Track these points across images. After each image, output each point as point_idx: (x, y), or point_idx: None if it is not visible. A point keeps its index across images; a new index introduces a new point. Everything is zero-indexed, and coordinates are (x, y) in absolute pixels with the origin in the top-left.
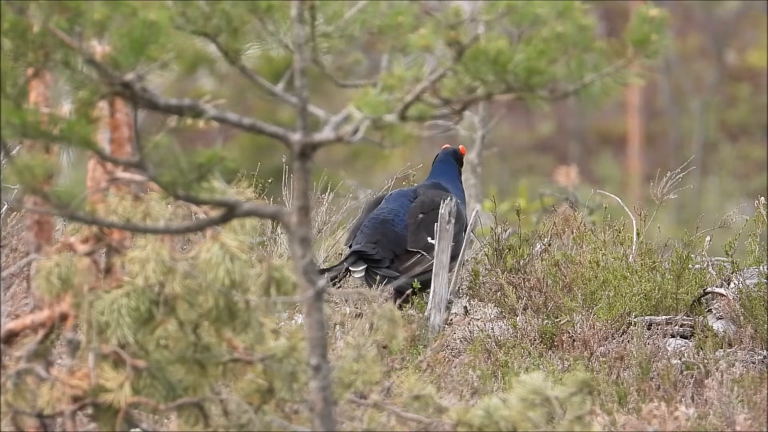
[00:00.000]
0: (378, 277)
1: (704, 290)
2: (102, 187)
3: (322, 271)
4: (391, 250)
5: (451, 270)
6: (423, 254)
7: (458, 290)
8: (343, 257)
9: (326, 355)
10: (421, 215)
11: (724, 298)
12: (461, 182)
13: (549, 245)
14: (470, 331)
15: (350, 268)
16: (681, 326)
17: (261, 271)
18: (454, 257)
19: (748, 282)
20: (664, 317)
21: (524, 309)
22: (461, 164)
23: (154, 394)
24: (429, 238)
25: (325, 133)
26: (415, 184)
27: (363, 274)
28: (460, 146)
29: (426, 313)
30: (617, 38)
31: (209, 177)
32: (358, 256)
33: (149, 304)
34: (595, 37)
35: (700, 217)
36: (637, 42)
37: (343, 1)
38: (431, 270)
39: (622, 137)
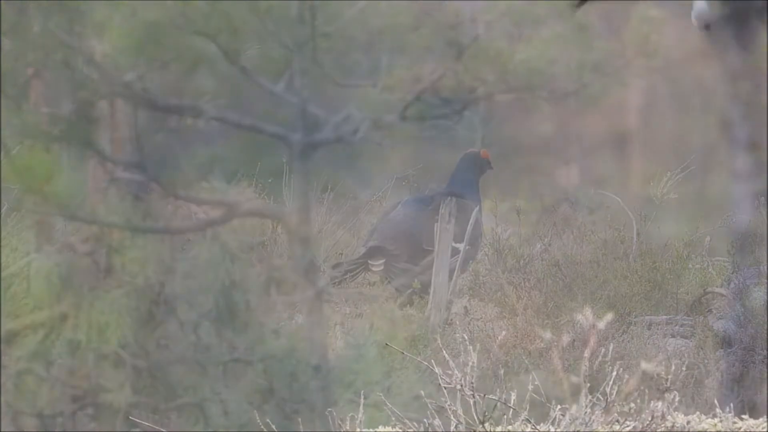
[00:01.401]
0: (398, 271)
1: (704, 290)
2: (102, 187)
3: (338, 265)
4: (408, 248)
5: (463, 271)
6: None
7: (458, 290)
8: (361, 253)
9: (326, 355)
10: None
11: (724, 298)
12: (478, 189)
13: (549, 245)
14: (470, 331)
15: (369, 261)
16: (681, 326)
17: (261, 271)
18: (467, 260)
19: (748, 282)
20: (664, 317)
21: (524, 309)
22: (483, 168)
23: (154, 394)
24: None
25: (325, 133)
26: (432, 191)
27: (382, 267)
28: (482, 150)
29: (426, 313)
30: (617, 38)
31: (209, 177)
32: (376, 251)
33: (149, 304)
34: (595, 37)
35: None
36: (637, 42)
37: (343, 1)
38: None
39: (622, 137)
